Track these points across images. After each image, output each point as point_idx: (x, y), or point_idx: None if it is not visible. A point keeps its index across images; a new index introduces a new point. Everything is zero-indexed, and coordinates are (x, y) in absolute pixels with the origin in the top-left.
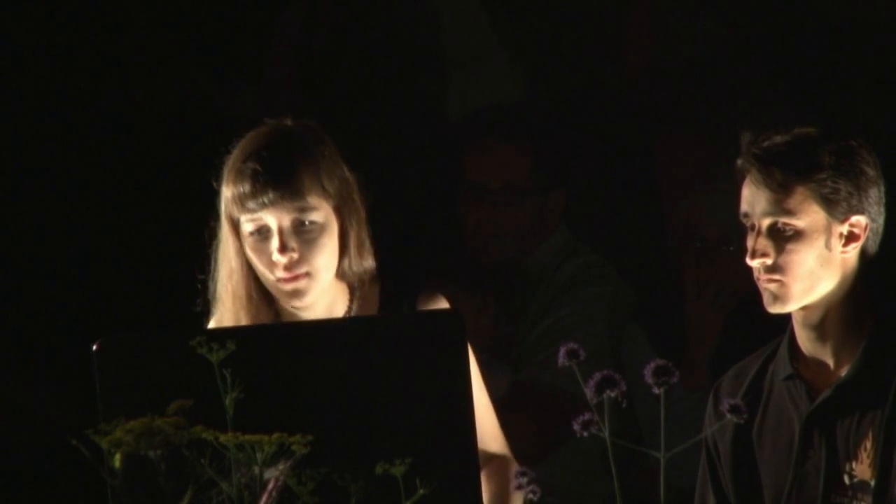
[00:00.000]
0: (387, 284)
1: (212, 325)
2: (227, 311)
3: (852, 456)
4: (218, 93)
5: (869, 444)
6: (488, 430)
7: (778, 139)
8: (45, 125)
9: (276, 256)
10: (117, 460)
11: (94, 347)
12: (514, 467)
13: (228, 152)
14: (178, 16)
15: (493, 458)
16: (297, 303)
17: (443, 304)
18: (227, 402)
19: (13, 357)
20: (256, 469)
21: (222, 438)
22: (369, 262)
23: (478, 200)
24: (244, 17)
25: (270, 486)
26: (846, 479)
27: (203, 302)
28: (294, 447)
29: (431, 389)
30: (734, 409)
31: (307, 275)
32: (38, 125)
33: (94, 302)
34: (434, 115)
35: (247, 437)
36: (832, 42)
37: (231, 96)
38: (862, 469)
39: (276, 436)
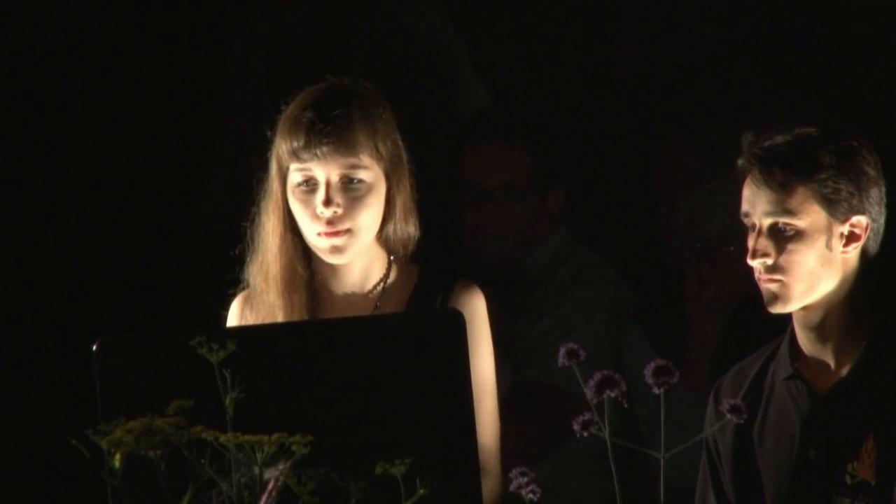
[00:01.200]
0: (426, 266)
1: (237, 301)
2: (259, 265)
3: (853, 456)
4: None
5: (870, 445)
6: (486, 443)
7: (779, 139)
8: (45, 125)
9: (321, 209)
10: (117, 460)
11: (94, 347)
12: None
13: (287, 104)
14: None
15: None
16: (334, 259)
17: (478, 295)
18: (227, 402)
19: (13, 357)
20: (256, 469)
21: (222, 438)
22: (413, 230)
23: (477, 201)
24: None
25: (270, 486)
26: (847, 480)
27: (240, 261)
28: (294, 447)
29: (431, 389)
30: (734, 410)
31: (348, 231)
32: (38, 124)
33: (94, 302)
34: (433, 115)
35: (247, 437)
36: (832, 41)
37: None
38: (863, 469)
39: (276, 436)
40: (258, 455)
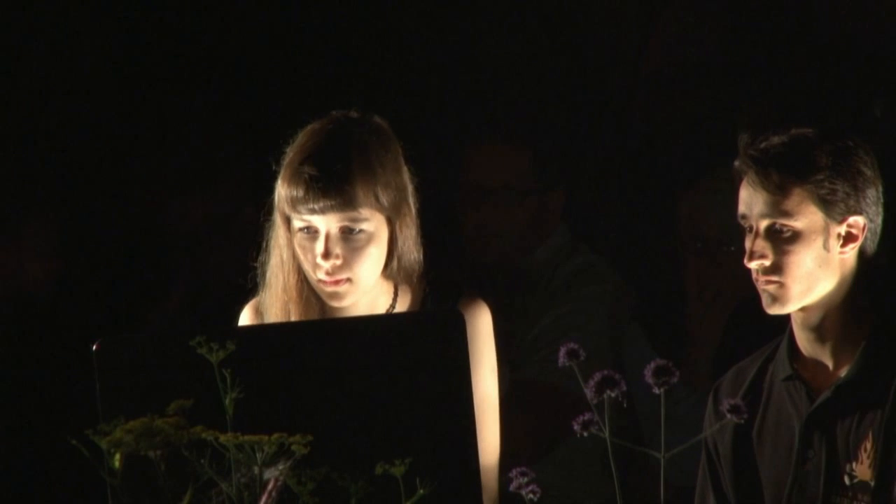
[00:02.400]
0: (429, 286)
1: (248, 308)
2: (275, 300)
3: (852, 456)
4: None
5: (869, 445)
6: (486, 462)
7: (775, 140)
8: (47, 126)
9: (320, 261)
10: (117, 460)
11: (94, 347)
12: None
13: (293, 137)
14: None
15: None
16: (335, 303)
17: (484, 309)
18: (227, 402)
19: (13, 358)
20: (256, 469)
21: (222, 438)
22: (417, 259)
23: (477, 201)
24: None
25: (270, 486)
26: (846, 480)
27: (252, 279)
28: (294, 447)
29: (431, 389)
30: (734, 410)
31: (348, 280)
32: (39, 126)
33: (95, 302)
34: (433, 115)
35: (247, 437)
36: (833, 42)
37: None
38: (862, 469)
39: (276, 436)
40: (258, 455)
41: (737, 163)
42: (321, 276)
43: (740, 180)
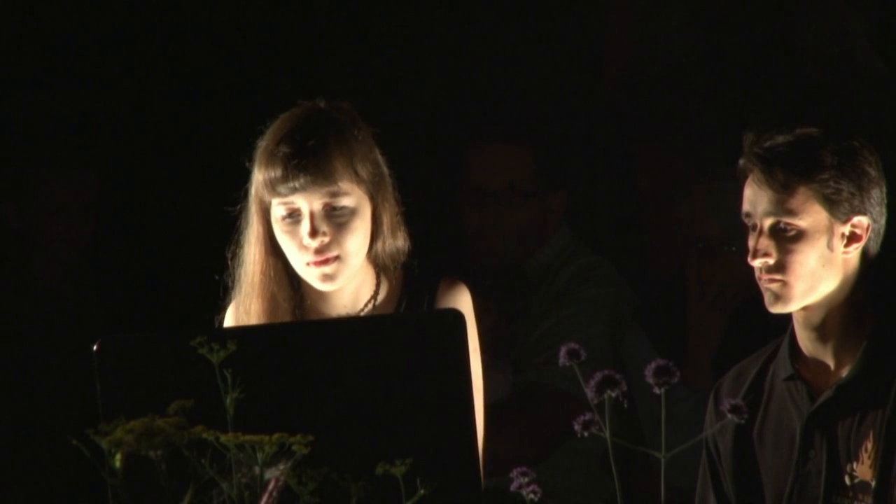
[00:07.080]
0: (410, 270)
1: (230, 309)
2: (245, 297)
3: (853, 456)
4: None
5: (870, 445)
6: None
7: (780, 139)
8: (48, 127)
9: (307, 241)
10: (117, 460)
11: (94, 347)
12: None
13: (262, 133)
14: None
15: None
16: (326, 287)
17: (463, 291)
18: (228, 402)
19: (13, 357)
20: (257, 469)
21: (223, 438)
22: (401, 244)
23: (480, 202)
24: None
25: (271, 486)
26: (847, 480)
27: (228, 283)
28: (294, 447)
29: (431, 389)
30: (734, 410)
31: (337, 258)
32: (39, 127)
33: (96, 302)
34: (435, 116)
35: (247, 437)
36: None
37: None
38: (863, 470)
39: (276, 436)
40: (259, 455)
41: (742, 161)
42: (308, 258)
43: (745, 179)
